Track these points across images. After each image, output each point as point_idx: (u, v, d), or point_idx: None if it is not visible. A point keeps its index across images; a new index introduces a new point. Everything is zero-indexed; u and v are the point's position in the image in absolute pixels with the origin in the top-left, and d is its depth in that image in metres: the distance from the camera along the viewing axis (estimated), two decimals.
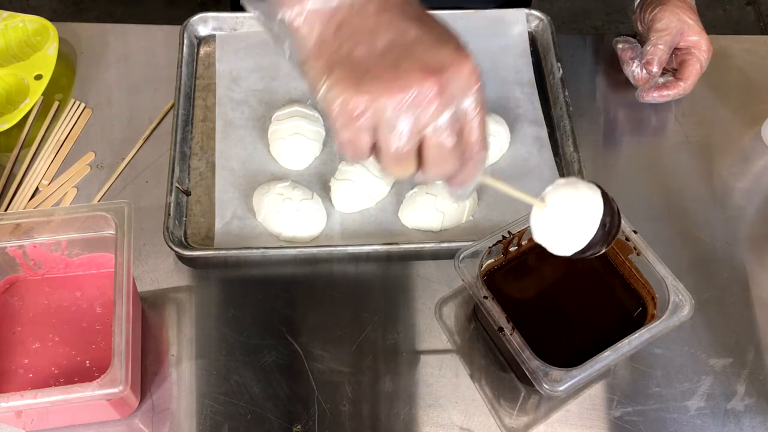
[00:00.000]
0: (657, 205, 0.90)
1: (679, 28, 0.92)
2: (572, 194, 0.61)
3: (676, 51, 0.95)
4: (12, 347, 0.74)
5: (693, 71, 0.93)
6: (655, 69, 0.94)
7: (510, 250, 0.77)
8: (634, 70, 0.96)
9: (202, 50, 1.00)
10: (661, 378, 0.77)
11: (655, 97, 0.96)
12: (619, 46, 1.00)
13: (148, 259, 0.83)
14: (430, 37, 0.50)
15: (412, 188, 0.87)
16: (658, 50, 0.93)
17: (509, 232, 0.75)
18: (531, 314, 0.73)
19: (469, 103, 0.50)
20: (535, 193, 0.89)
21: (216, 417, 0.74)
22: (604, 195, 0.62)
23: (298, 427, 0.73)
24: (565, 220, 0.61)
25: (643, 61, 0.94)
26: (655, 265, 0.73)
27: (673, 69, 0.97)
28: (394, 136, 0.49)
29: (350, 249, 0.82)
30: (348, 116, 0.48)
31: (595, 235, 0.61)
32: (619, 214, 0.64)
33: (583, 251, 0.63)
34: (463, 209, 0.85)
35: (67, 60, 1.00)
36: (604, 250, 0.63)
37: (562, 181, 0.63)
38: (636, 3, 0.98)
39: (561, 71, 0.97)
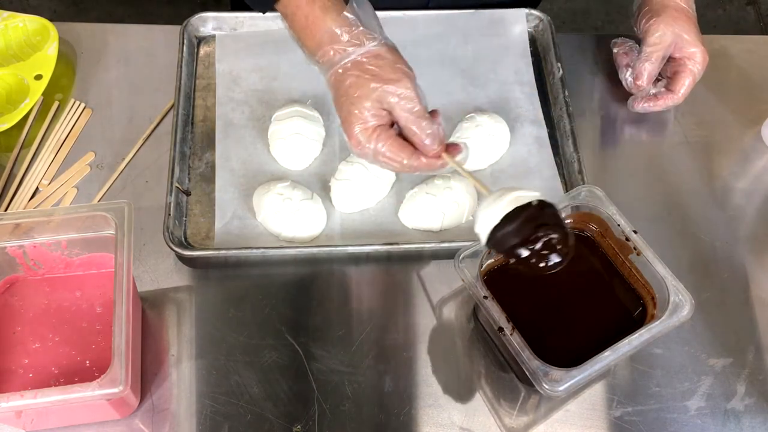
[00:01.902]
0: (657, 205, 0.90)
1: (672, 41, 0.91)
2: (505, 194, 0.66)
3: (670, 59, 0.94)
4: (12, 347, 0.74)
5: (685, 84, 0.93)
6: (643, 84, 0.94)
7: None
8: (627, 78, 0.96)
9: (202, 50, 1.00)
10: (661, 378, 0.78)
11: (645, 107, 0.95)
12: (615, 50, 0.99)
13: (148, 259, 0.83)
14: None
15: (412, 188, 0.87)
16: (647, 66, 0.92)
17: None
18: (531, 314, 0.73)
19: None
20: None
21: (216, 417, 0.74)
22: (532, 211, 0.64)
23: (298, 427, 0.73)
24: (482, 211, 0.67)
25: (633, 75, 0.94)
26: (655, 265, 0.73)
27: (667, 77, 0.97)
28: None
29: (350, 249, 0.82)
30: None
31: (488, 239, 0.66)
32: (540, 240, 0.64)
33: (492, 243, 0.67)
34: (464, 209, 0.85)
35: (67, 60, 1.00)
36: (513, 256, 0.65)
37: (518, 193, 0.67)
38: (634, 8, 0.98)
39: (561, 71, 0.97)
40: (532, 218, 0.64)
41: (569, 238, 0.64)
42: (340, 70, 0.74)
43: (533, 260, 0.64)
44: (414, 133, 0.74)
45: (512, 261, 0.65)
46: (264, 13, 0.80)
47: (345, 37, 0.73)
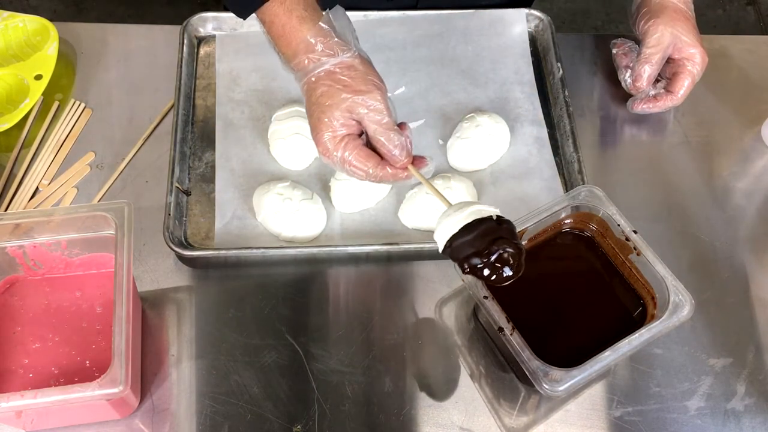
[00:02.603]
0: (657, 205, 0.90)
1: (671, 42, 0.91)
2: (463, 208, 0.68)
3: (669, 60, 0.94)
4: (12, 347, 0.74)
5: (684, 85, 0.93)
6: (642, 85, 0.94)
7: None
8: (626, 79, 0.96)
9: (202, 50, 1.00)
10: (661, 378, 0.78)
11: (644, 108, 0.95)
12: (614, 50, 0.99)
13: (148, 259, 0.83)
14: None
15: (412, 188, 0.87)
16: (646, 67, 0.92)
17: None
18: (531, 314, 0.73)
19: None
20: (535, 193, 0.89)
21: (216, 417, 0.74)
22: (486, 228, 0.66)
23: (298, 427, 0.73)
24: (443, 220, 0.69)
25: (633, 77, 0.94)
26: (655, 265, 0.73)
27: (666, 78, 0.96)
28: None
29: (350, 249, 0.82)
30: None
31: (446, 246, 0.68)
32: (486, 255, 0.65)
33: (449, 252, 0.69)
34: None
35: (67, 60, 1.00)
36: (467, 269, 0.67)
37: (480, 207, 0.69)
38: (633, 7, 0.98)
39: (561, 71, 0.97)
40: (489, 231, 0.66)
41: (522, 254, 0.66)
42: (313, 79, 0.76)
43: (486, 271, 0.66)
44: (382, 144, 0.75)
45: (466, 270, 0.67)
46: (244, 18, 0.82)
47: (319, 47, 0.75)
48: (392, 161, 0.76)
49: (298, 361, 0.77)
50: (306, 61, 0.76)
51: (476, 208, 0.68)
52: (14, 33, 0.99)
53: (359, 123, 0.76)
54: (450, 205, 0.71)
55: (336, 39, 0.76)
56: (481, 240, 0.66)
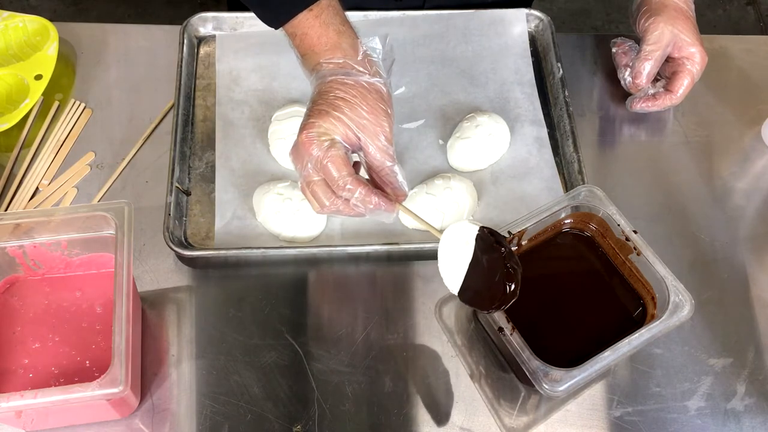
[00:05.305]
0: (657, 205, 0.90)
1: (671, 40, 0.92)
2: (454, 234, 0.67)
3: (669, 59, 0.94)
4: (12, 347, 0.74)
5: (683, 84, 0.93)
6: (642, 83, 0.94)
7: None
8: (626, 77, 0.96)
9: (202, 50, 1.00)
10: (661, 378, 0.78)
11: (643, 107, 0.95)
12: (614, 50, 0.99)
13: (148, 259, 0.83)
14: None
15: (412, 188, 0.87)
16: (646, 65, 0.92)
17: (509, 232, 0.75)
18: (531, 314, 0.73)
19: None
20: (535, 193, 0.89)
21: (216, 417, 0.74)
22: (490, 244, 0.65)
23: (298, 427, 0.73)
24: (447, 258, 0.68)
25: (632, 75, 0.94)
26: (655, 265, 0.73)
27: (665, 77, 0.97)
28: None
29: (350, 249, 0.82)
30: None
31: (467, 280, 0.67)
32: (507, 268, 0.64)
33: (467, 298, 0.68)
34: (464, 209, 0.85)
35: (67, 60, 1.00)
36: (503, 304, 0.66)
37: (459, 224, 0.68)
38: (633, 6, 0.98)
39: (561, 71, 0.97)
40: (494, 263, 0.65)
41: (518, 269, 0.66)
42: (345, 80, 0.73)
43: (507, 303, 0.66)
44: (388, 173, 0.73)
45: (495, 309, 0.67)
46: (276, 29, 0.78)
47: (360, 58, 0.74)
48: (394, 189, 0.74)
49: (298, 361, 0.77)
50: (341, 61, 0.74)
51: (455, 232, 0.67)
52: (14, 33, 0.99)
53: (356, 145, 0.73)
54: (439, 234, 0.70)
55: (377, 60, 0.75)
56: (491, 277, 0.65)
